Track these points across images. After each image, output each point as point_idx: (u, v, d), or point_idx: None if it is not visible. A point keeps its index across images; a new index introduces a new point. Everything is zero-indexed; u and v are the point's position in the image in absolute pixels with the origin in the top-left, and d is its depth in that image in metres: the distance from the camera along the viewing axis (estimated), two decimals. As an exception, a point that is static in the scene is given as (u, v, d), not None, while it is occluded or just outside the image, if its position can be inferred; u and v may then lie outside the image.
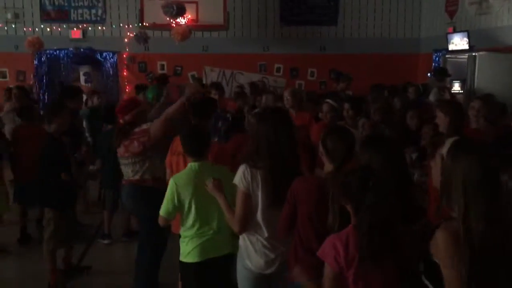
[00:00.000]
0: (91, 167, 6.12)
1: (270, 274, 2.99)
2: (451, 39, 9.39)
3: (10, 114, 6.96)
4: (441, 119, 3.91)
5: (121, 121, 4.34)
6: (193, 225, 3.34)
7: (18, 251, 5.84)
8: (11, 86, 8.67)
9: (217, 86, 6.70)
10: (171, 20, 9.95)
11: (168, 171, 4.06)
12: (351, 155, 2.65)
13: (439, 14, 10.72)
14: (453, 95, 8.13)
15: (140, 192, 4.24)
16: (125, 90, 11.15)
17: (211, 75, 11.34)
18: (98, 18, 11.20)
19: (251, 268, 3.01)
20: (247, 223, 2.96)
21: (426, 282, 2.11)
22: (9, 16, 10.91)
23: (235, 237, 3.16)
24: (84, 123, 7.21)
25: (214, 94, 6.11)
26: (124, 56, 11.25)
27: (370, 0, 11.66)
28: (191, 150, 3.44)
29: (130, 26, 11.03)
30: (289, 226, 2.78)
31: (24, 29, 10.93)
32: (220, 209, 3.18)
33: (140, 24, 10.45)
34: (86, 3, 11.15)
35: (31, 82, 10.93)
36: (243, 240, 3.04)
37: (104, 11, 11.19)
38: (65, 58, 11.27)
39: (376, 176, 2.21)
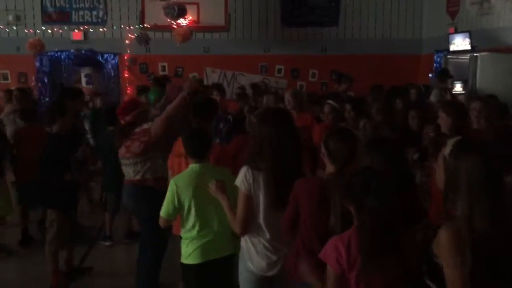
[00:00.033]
0: (91, 168, 6.13)
1: (272, 276, 2.98)
2: (453, 39, 9.39)
3: (11, 116, 6.96)
4: (444, 120, 3.90)
5: (122, 122, 4.34)
6: (193, 227, 3.33)
7: (19, 252, 5.84)
8: (11, 88, 8.66)
9: (219, 87, 6.72)
10: (172, 22, 9.96)
11: (170, 172, 4.06)
12: (353, 157, 2.64)
13: (440, 15, 10.71)
14: (454, 95, 8.13)
15: (141, 192, 4.24)
16: (126, 91, 11.15)
17: (212, 76, 11.34)
18: (99, 20, 11.22)
19: (253, 270, 3.00)
20: (249, 225, 2.95)
21: (429, 282, 2.10)
22: (10, 18, 10.93)
23: (237, 238, 3.16)
24: (86, 125, 7.21)
25: (215, 95, 6.12)
26: (125, 57, 11.26)
27: (371, 1, 11.65)
28: (192, 152, 3.43)
29: (131, 27, 11.04)
30: (293, 228, 2.77)
31: (26, 31, 10.94)
32: (221, 211, 3.17)
33: (141, 26, 10.47)
34: (87, 5, 11.16)
35: (33, 84, 10.94)
36: (245, 242, 3.03)
37: (105, 13, 11.20)
38: (67, 60, 11.28)
39: (378, 177, 2.20)
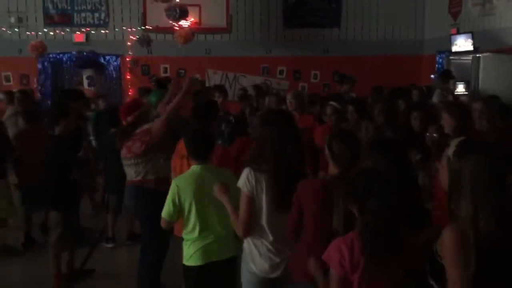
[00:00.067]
0: (94, 169, 6.15)
1: (275, 279, 2.97)
2: (455, 40, 9.37)
3: (13, 119, 6.97)
4: (447, 121, 3.89)
5: (123, 122, 4.35)
6: (193, 228, 3.32)
7: (22, 255, 5.84)
8: (11, 90, 8.66)
9: (221, 88, 6.71)
10: (174, 23, 9.97)
11: (173, 174, 4.06)
12: (357, 159, 2.64)
13: (443, 16, 10.69)
14: (456, 96, 8.11)
15: (141, 193, 4.24)
16: (128, 93, 11.16)
17: (214, 78, 11.34)
18: (101, 22, 11.24)
19: (256, 272, 2.99)
20: (251, 227, 2.94)
21: (432, 283, 2.09)
22: (12, 20, 10.96)
23: (239, 240, 3.15)
24: (90, 127, 7.22)
25: (217, 97, 6.11)
26: (127, 59, 11.28)
27: (373, 2, 11.64)
28: (195, 153, 3.42)
29: (133, 29, 11.05)
30: (297, 229, 2.76)
31: (28, 33, 10.96)
32: (222, 212, 3.17)
33: (143, 27, 10.47)
34: (89, 7, 11.19)
35: (35, 86, 10.96)
36: (248, 244, 3.02)
37: (107, 15, 11.22)
38: (68, 62, 11.30)
39: (381, 178, 2.19)
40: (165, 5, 9.59)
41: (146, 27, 10.33)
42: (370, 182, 2.17)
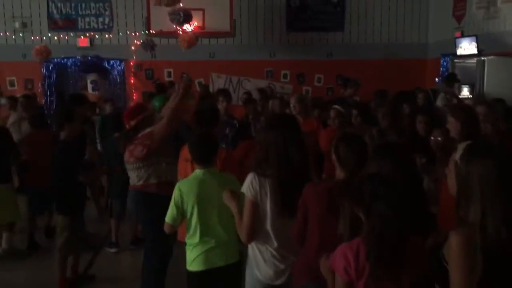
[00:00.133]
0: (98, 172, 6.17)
1: (279, 285, 2.95)
2: (459, 43, 9.34)
3: (16, 125, 6.98)
4: (453, 124, 3.85)
5: (127, 126, 4.35)
6: (195, 232, 3.30)
7: (26, 259, 5.83)
8: (14, 95, 8.66)
9: (225, 92, 6.69)
10: (178, 28, 9.98)
11: (179, 178, 4.05)
12: (363, 162, 2.62)
13: (447, 19, 10.67)
14: (461, 100, 8.08)
15: (143, 198, 4.23)
16: (132, 97, 11.18)
17: (218, 82, 11.35)
18: (105, 26, 11.28)
19: (260, 278, 2.97)
20: (255, 233, 2.92)
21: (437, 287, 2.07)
22: (17, 25, 11.02)
23: (244, 245, 3.13)
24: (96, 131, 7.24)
25: (221, 101, 6.10)
26: (131, 63, 11.31)
27: (377, 5, 11.64)
28: (198, 157, 3.41)
29: (137, 33, 11.09)
30: (303, 234, 2.73)
31: (32, 38, 11.02)
32: (225, 218, 3.16)
33: (147, 32, 10.49)
34: (93, 12, 11.23)
35: (39, 91, 10.99)
36: (252, 249, 3.00)
37: (111, 19, 11.26)
38: (73, 66, 11.35)
39: (388, 183, 2.17)
40: (169, 9, 9.60)
41: (150, 31, 10.34)
42: (376, 186, 2.15)
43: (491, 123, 4.44)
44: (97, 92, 10.36)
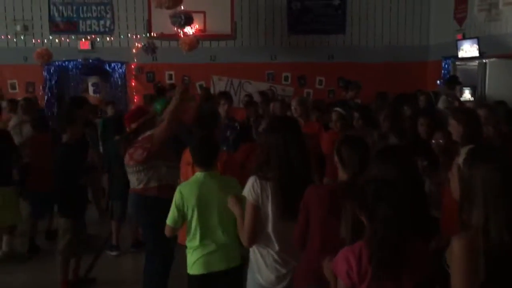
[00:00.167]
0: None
1: (281, 290, 2.93)
2: (461, 46, 9.33)
3: (17, 128, 6.99)
4: (454, 127, 3.83)
5: (127, 129, 4.35)
6: (195, 235, 3.30)
7: (26, 262, 5.82)
8: (14, 98, 8.66)
9: (226, 95, 6.69)
10: (179, 30, 9.99)
11: (182, 181, 4.05)
12: (366, 164, 2.61)
13: (448, 21, 10.66)
14: (462, 102, 8.06)
15: (143, 201, 4.23)
16: (134, 100, 11.18)
17: (219, 85, 11.34)
18: (107, 29, 11.28)
19: (262, 282, 2.95)
20: (256, 236, 2.91)
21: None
22: (18, 28, 11.03)
23: (245, 249, 3.11)
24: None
25: (223, 104, 6.09)
26: (133, 66, 11.31)
27: (378, 7, 11.63)
28: (199, 160, 3.41)
29: (138, 36, 11.09)
30: (304, 237, 2.72)
31: (33, 41, 11.02)
32: (226, 221, 3.15)
33: (148, 35, 10.50)
34: (94, 14, 11.23)
35: (40, 94, 11.00)
36: (254, 253, 2.99)
37: (113, 22, 11.27)
38: (74, 69, 11.34)
39: (390, 186, 2.16)
40: (170, 12, 9.61)
41: (151, 34, 10.35)
42: (379, 189, 2.14)
43: (492, 125, 4.43)
44: (98, 95, 10.37)
